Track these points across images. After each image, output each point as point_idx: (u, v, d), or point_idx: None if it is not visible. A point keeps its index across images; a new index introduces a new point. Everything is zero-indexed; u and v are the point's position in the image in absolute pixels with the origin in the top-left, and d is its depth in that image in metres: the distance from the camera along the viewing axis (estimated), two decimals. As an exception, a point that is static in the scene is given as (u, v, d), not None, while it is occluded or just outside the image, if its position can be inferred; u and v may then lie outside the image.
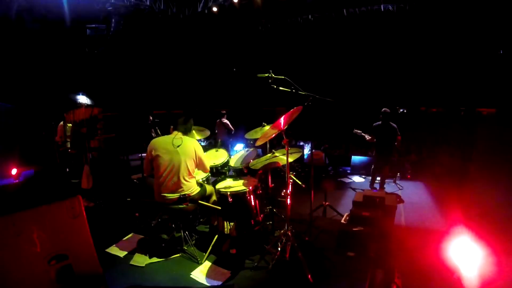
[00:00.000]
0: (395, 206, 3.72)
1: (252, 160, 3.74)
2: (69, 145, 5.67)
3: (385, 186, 5.58)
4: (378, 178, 5.64)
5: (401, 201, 5.08)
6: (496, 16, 7.13)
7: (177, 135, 3.16)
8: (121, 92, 9.95)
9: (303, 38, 9.39)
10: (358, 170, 6.96)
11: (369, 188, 5.63)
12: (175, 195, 3.06)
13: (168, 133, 3.35)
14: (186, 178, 3.11)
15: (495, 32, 7.56)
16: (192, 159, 3.13)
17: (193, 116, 3.34)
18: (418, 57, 8.94)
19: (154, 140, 3.15)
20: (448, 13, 7.74)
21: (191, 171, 3.15)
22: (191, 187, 3.16)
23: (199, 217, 3.98)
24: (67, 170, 5.39)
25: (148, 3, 8.17)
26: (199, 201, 3.24)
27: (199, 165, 3.24)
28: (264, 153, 3.82)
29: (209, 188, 3.47)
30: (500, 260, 2.57)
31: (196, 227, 3.89)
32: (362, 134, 5.47)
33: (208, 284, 2.79)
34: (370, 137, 5.33)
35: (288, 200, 3.05)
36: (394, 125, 5.21)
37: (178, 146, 3.06)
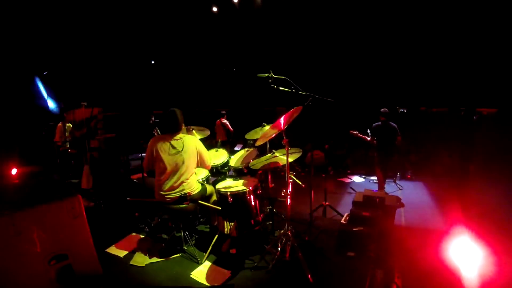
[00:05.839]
0: (395, 206, 3.71)
1: (252, 160, 3.74)
2: (69, 145, 5.67)
3: (385, 186, 5.57)
4: (375, 178, 5.59)
5: (402, 205, 5.00)
6: (496, 16, 7.13)
7: (177, 137, 3.14)
8: (121, 92, 9.96)
9: (303, 38, 9.39)
10: (358, 170, 6.96)
11: (369, 188, 5.58)
12: (176, 194, 3.07)
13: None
14: (188, 177, 3.11)
15: (495, 32, 7.56)
16: (194, 157, 3.14)
17: (192, 116, 3.31)
18: (418, 57, 8.93)
19: (155, 138, 3.12)
20: (448, 13, 7.74)
21: (193, 169, 3.16)
22: (192, 185, 3.16)
23: (199, 217, 3.98)
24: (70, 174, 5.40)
25: None
26: (199, 201, 3.23)
27: (201, 161, 3.22)
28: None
29: (209, 188, 3.47)
30: (500, 260, 2.57)
31: (196, 227, 3.89)
32: (360, 135, 5.42)
33: (208, 284, 2.79)
34: (370, 139, 5.30)
35: (288, 200, 3.05)
36: (394, 125, 5.19)
37: (181, 149, 3.06)
